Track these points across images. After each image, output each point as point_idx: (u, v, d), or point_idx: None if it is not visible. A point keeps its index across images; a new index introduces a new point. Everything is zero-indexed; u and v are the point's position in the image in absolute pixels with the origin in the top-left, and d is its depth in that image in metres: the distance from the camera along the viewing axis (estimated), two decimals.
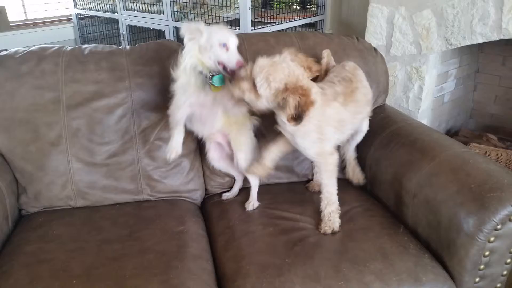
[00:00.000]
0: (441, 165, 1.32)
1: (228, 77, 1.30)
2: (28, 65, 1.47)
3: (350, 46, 1.71)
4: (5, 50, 1.52)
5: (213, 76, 1.31)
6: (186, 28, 1.29)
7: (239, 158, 1.49)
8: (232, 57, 1.28)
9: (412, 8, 2.13)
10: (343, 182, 1.64)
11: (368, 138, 1.62)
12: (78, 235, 1.33)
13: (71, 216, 1.44)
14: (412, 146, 1.44)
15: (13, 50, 1.52)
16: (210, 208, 1.57)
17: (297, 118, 1.19)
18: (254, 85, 1.23)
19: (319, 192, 1.55)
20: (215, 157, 1.57)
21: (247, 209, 1.48)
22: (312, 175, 1.65)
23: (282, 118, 1.28)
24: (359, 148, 1.67)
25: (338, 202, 1.38)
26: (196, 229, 1.40)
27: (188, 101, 1.34)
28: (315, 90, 1.27)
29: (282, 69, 1.21)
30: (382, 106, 1.76)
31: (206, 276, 1.20)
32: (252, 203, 1.50)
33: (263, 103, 1.25)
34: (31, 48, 1.53)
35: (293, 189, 1.62)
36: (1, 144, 1.44)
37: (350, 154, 1.61)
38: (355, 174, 1.61)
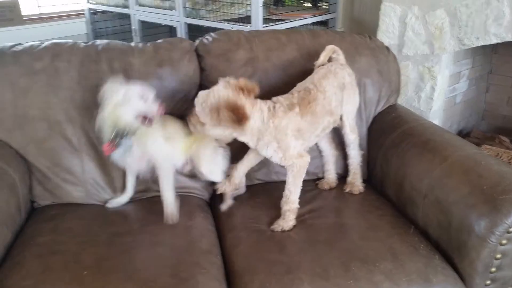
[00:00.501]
0: (453, 166, 1.31)
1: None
2: (42, 63, 1.47)
3: (362, 45, 1.70)
4: (20, 44, 1.53)
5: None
6: (107, 86, 1.32)
7: (204, 172, 1.49)
8: (153, 106, 1.32)
9: (425, 7, 2.12)
10: None
11: (379, 137, 1.62)
12: (90, 228, 1.34)
13: (82, 210, 1.45)
14: (424, 147, 1.43)
15: (28, 45, 1.52)
16: (219, 204, 1.57)
17: (237, 121, 1.25)
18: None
19: (330, 190, 1.55)
20: None
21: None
22: (323, 173, 1.65)
23: (240, 138, 1.36)
24: (370, 146, 1.67)
25: (297, 203, 1.40)
26: (205, 225, 1.41)
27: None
28: (253, 106, 1.31)
29: (213, 95, 1.27)
30: (394, 105, 1.75)
31: (215, 271, 1.21)
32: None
33: (210, 129, 1.31)
34: (45, 44, 1.53)
35: (303, 187, 1.62)
36: (15, 140, 1.45)
37: (352, 159, 1.60)
38: (355, 183, 1.58)
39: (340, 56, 1.58)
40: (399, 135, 1.54)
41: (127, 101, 1.29)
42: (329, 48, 1.56)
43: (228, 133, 1.33)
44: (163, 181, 1.42)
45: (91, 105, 1.46)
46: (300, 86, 1.45)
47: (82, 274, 1.13)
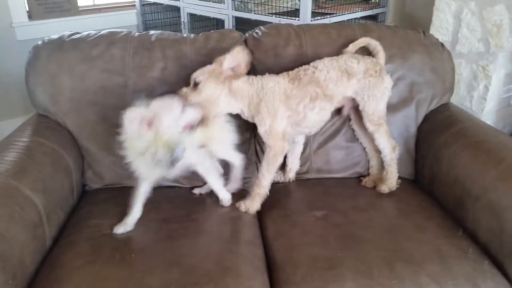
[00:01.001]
0: (509, 169, 1.25)
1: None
2: (98, 49, 1.54)
3: (416, 40, 1.65)
4: (78, 33, 1.60)
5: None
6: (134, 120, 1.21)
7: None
8: (192, 112, 1.27)
9: (483, 3, 2.03)
10: (400, 180, 1.61)
11: (430, 136, 1.57)
12: None
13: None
14: (478, 148, 1.38)
15: (85, 33, 1.59)
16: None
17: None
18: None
19: (374, 188, 1.53)
20: None
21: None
22: (368, 170, 1.63)
23: (233, 106, 1.42)
24: (419, 145, 1.63)
25: (267, 189, 1.44)
26: (248, 216, 1.43)
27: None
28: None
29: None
30: (447, 104, 1.69)
31: (258, 262, 1.22)
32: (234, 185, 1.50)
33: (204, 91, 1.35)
34: (101, 32, 1.60)
35: (345, 183, 1.61)
36: (70, 122, 1.53)
37: (386, 157, 1.54)
38: (388, 180, 1.52)
39: (380, 53, 1.55)
40: (452, 135, 1.49)
41: (172, 123, 1.23)
42: (362, 40, 1.56)
43: (221, 96, 1.36)
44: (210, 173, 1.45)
45: (143, 90, 1.50)
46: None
47: (130, 257, 1.17)
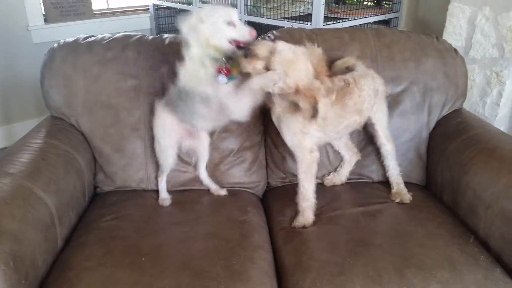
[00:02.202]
0: None
1: (241, 53, 1.27)
2: (113, 52, 1.55)
3: (429, 45, 1.64)
4: (93, 36, 1.62)
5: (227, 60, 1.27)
6: (186, 24, 1.26)
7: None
8: (243, 31, 1.26)
9: (498, 8, 2.01)
10: (411, 186, 1.60)
11: (442, 143, 1.56)
12: (149, 216, 1.40)
13: (142, 197, 1.52)
14: (490, 154, 1.37)
15: (100, 36, 1.61)
16: (271, 200, 1.58)
17: (313, 116, 1.22)
18: (267, 69, 1.23)
19: (383, 191, 1.52)
20: None
21: None
22: (386, 172, 1.60)
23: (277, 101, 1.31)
24: (431, 151, 1.62)
25: (313, 198, 1.39)
26: (258, 220, 1.43)
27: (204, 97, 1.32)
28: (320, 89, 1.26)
29: (300, 69, 1.22)
30: (459, 110, 1.68)
31: (267, 267, 1.22)
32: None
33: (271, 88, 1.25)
34: (116, 35, 1.62)
35: (356, 189, 1.60)
36: (84, 124, 1.55)
37: (391, 171, 1.56)
38: (403, 193, 1.52)
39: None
40: (464, 141, 1.48)
41: (216, 30, 1.24)
42: (346, 60, 1.54)
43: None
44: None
45: (157, 93, 1.53)
46: (340, 77, 1.43)
47: (140, 260, 1.18)
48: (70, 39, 1.60)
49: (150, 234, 1.29)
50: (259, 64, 1.24)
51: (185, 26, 1.26)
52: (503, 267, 1.20)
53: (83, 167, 1.48)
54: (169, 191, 1.53)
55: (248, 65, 1.25)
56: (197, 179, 1.57)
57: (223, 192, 1.55)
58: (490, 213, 1.27)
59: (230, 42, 1.26)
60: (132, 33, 1.64)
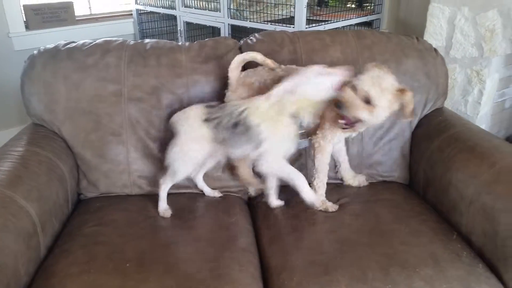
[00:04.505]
0: (502, 172, 1.26)
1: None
2: (93, 58, 1.54)
3: (410, 46, 1.66)
4: (73, 42, 1.61)
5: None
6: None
7: None
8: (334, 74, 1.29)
9: (476, 8, 2.04)
10: (394, 185, 1.62)
11: (424, 141, 1.58)
12: (133, 221, 1.39)
13: (127, 202, 1.51)
14: (471, 152, 1.39)
15: (80, 42, 1.60)
16: (256, 203, 1.58)
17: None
18: (364, 101, 1.28)
19: (371, 193, 1.53)
20: None
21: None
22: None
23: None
24: (413, 150, 1.64)
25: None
26: (244, 223, 1.43)
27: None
28: None
29: (384, 79, 1.28)
30: (440, 109, 1.70)
31: (253, 269, 1.22)
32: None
33: (380, 113, 1.29)
34: (97, 41, 1.61)
35: (341, 188, 1.60)
36: (65, 130, 1.53)
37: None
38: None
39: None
40: (446, 139, 1.50)
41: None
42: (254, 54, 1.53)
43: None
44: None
45: (139, 98, 1.53)
46: None
47: (125, 266, 1.17)
48: (50, 46, 1.59)
49: (134, 239, 1.28)
50: (357, 101, 1.29)
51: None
52: (485, 262, 1.22)
53: (66, 174, 1.46)
54: (155, 195, 1.52)
55: (351, 110, 1.30)
56: (181, 184, 1.57)
57: (217, 194, 1.56)
58: (472, 210, 1.29)
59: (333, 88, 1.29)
60: (113, 39, 1.63)
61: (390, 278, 1.13)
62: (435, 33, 2.24)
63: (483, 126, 2.22)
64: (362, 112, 1.28)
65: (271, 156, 1.34)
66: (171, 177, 1.43)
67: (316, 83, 1.29)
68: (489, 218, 1.22)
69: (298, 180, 1.37)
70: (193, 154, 1.39)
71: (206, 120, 1.36)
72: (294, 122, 1.32)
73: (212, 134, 1.35)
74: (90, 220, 1.39)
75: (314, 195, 1.39)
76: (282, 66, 1.54)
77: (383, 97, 1.26)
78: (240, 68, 1.52)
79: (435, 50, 1.70)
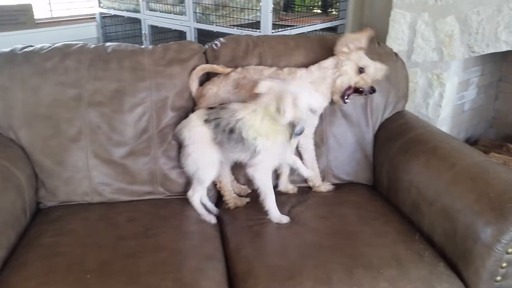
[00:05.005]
0: (460, 174, 1.30)
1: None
2: (52, 62, 1.50)
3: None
4: (31, 46, 1.56)
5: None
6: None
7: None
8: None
9: (435, 14, 2.11)
10: (359, 186, 1.64)
11: (386, 143, 1.61)
12: (94, 230, 1.35)
13: (87, 211, 1.46)
14: (431, 153, 1.42)
15: (38, 46, 1.55)
16: (224, 209, 1.57)
17: None
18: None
19: (334, 196, 1.55)
20: None
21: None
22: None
23: None
24: (376, 153, 1.66)
25: None
26: (209, 229, 1.41)
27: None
28: None
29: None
30: (402, 112, 1.74)
31: (219, 276, 1.20)
32: None
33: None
34: (56, 45, 1.56)
35: (304, 192, 1.61)
36: (23, 138, 1.47)
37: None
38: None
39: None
40: (407, 142, 1.53)
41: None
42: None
43: None
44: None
45: (100, 102, 1.49)
46: None
47: (85, 277, 1.13)
48: (6, 50, 1.53)
49: (95, 250, 1.24)
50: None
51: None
52: (446, 261, 1.24)
53: (23, 182, 1.40)
54: (115, 202, 1.49)
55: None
56: (145, 190, 1.54)
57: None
58: (433, 210, 1.32)
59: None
60: (73, 42, 1.59)
61: (355, 280, 1.14)
62: (397, 38, 2.29)
63: (444, 128, 2.28)
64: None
65: (264, 166, 1.40)
66: (200, 185, 1.46)
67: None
68: (449, 218, 1.25)
69: (271, 198, 1.43)
70: (209, 157, 1.42)
71: (206, 121, 1.40)
72: (288, 130, 1.36)
73: (213, 134, 1.39)
74: (49, 230, 1.34)
75: (279, 215, 1.42)
76: (238, 69, 1.55)
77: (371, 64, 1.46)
78: (197, 82, 1.58)
79: (396, 54, 1.74)
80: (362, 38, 1.48)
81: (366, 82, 1.46)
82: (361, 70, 1.46)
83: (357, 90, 1.48)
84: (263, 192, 1.42)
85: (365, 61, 1.47)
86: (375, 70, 1.47)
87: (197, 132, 1.41)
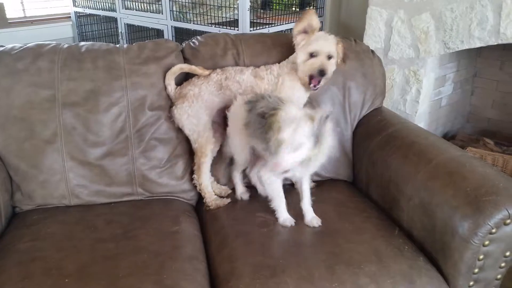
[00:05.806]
0: (437, 169, 1.31)
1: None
2: (24, 62, 1.46)
3: (347, 48, 1.69)
4: (2, 46, 1.52)
5: None
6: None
7: None
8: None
9: (411, 11, 2.14)
10: (339, 183, 1.65)
11: (364, 140, 1.62)
12: (72, 233, 1.32)
13: (65, 214, 1.43)
14: (409, 149, 1.44)
15: (10, 46, 1.51)
16: (205, 208, 1.56)
17: None
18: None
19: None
20: None
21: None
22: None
23: None
24: (355, 149, 1.68)
25: None
26: (191, 229, 1.40)
27: None
28: None
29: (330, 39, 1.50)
30: (379, 108, 1.76)
31: (200, 277, 1.19)
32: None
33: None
34: (28, 45, 1.52)
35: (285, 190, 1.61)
36: None
37: None
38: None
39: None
40: (384, 138, 1.55)
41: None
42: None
43: None
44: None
45: (74, 103, 1.46)
46: None
47: (63, 282, 1.11)
48: None
49: (73, 254, 1.22)
50: None
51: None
52: (426, 255, 1.26)
53: None
54: (93, 205, 1.46)
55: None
56: (123, 191, 1.51)
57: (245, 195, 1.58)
58: (411, 205, 1.34)
59: None
60: (46, 42, 1.55)
61: (336, 277, 1.14)
62: (374, 35, 2.32)
63: (421, 124, 2.32)
64: (331, 65, 1.46)
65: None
66: (236, 165, 1.55)
67: None
68: (427, 213, 1.27)
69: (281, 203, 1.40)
70: (240, 140, 1.43)
71: (247, 103, 1.38)
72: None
73: (246, 116, 1.36)
74: (25, 235, 1.31)
75: (283, 218, 1.39)
76: (217, 70, 1.54)
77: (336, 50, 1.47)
78: (173, 82, 1.56)
79: (372, 51, 1.76)
80: (308, 21, 1.46)
81: (312, 68, 1.44)
82: (312, 55, 1.45)
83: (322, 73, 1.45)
84: (270, 195, 1.42)
85: (314, 46, 1.45)
86: (322, 47, 1.44)
87: (236, 114, 1.43)
